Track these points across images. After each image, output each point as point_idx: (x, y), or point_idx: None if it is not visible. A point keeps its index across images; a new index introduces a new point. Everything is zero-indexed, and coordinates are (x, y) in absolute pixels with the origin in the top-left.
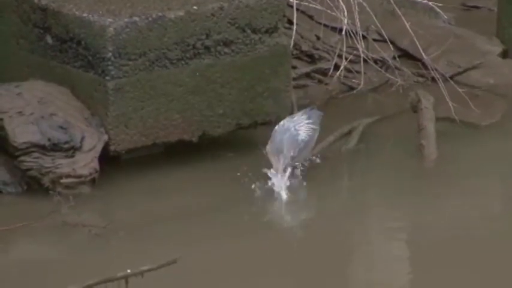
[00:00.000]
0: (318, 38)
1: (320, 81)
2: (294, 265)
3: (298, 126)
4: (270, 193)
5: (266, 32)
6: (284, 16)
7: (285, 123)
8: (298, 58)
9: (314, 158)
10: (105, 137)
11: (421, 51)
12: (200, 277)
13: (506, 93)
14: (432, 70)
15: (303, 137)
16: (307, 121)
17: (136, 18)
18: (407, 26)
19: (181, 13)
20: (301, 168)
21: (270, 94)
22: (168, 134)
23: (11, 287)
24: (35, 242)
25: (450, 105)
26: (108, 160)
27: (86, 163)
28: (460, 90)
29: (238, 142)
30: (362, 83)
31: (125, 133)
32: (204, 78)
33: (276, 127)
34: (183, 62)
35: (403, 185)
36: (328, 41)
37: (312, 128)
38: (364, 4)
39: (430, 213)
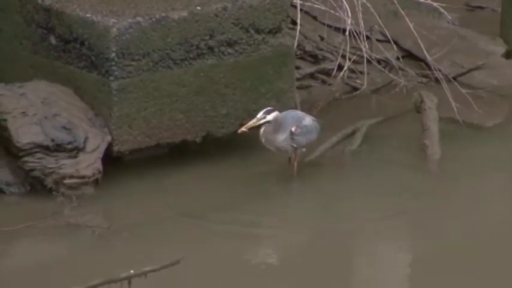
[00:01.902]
0: (322, 38)
1: (323, 82)
2: (295, 266)
3: (305, 115)
4: (273, 194)
5: (270, 32)
6: (288, 16)
7: (292, 110)
8: (302, 58)
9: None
10: (109, 138)
11: (425, 52)
12: (203, 278)
13: (510, 94)
14: (436, 70)
15: (307, 123)
16: (312, 117)
17: (140, 19)
18: (411, 26)
19: (184, 13)
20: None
21: (274, 94)
22: (171, 135)
23: (15, 287)
24: (39, 242)
25: (454, 106)
26: (112, 161)
27: (89, 164)
28: (463, 91)
29: (241, 143)
30: (365, 83)
31: (129, 134)
32: (208, 79)
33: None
34: (186, 63)
35: (406, 185)
36: (332, 42)
37: (315, 125)
38: (368, 5)
39: (433, 214)
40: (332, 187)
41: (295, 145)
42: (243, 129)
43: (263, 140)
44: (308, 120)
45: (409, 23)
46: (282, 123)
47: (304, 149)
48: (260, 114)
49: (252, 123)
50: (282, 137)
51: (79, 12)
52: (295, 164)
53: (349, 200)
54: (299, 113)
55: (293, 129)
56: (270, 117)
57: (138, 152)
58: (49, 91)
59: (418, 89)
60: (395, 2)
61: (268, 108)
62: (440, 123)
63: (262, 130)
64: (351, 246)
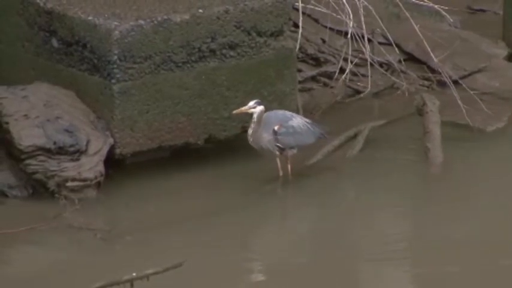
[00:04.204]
0: (324, 41)
1: (325, 85)
2: (297, 269)
3: (296, 116)
4: (275, 197)
5: (271, 35)
6: (289, 19)
7: (282, 110)
8: (304, 61)
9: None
10: (111, 140)
11: (431, 53)
12: (205, 281)
13: None
14: (442, 73)
15: (295, 124)
16: (307, 120)
17: (142, 22)
18: (416, 28)
19: (186, 16)
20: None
21: (276, 97)
22: (173, 137)
23: None
24: (41, 245)
25: (457, 108)
26: (114, 163)
27: (91, 166)
28: (465, 94)
29: (243, 145)
30: (369, 86)
31: (131, 136)
32: (210, 82)
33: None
34: (188, 65)
35: (408, 189)
36: (334, 44)
37: (308, 127)
38: (370, 7)
39: (434, 217)
40: (334, 190)
41: (280, 145)
42: (235, 112)
43: (250, 140)
44: (297, 121)
45: (414, 26)
46: (267, 123)
47: (294, 151)
48: (251, 103)
49: (244, 109)
50: (267, 137)
51: (81, 14)
52: (289, 166)
53: (348, 206)
54: (288, 113)
55: (276, 128)
56: (255, 110)
57: (140, 154)
58: (51, 94)
59: (420, 92)
60: (400, 5)
61: (258, 100)
62: (443, 126)
63: (250, 131)
64: (354, 247)
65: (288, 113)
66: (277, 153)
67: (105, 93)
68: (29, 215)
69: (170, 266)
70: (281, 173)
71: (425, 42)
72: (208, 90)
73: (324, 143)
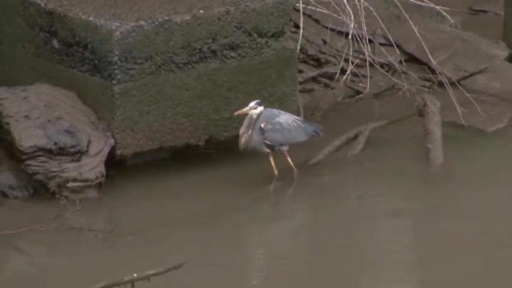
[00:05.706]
0: (325, 42)
1: (326, 85)
2: (298, 269)
3: (284, 114)
4: (275, 197)
5: (272, 36)
6: (290, 20)
7: (270, 109)
8: (305, 62)
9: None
10: (112, 141)
11: (429, 55)
12: (205, 281)
13: None
14: (441, 74)
15: (282, 120)
16: (296, 118)
17: (143, 22)
18: (415, 30)
19: (187, 17)
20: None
21: (277, 98)
22: (174, 138)
23: None
24: (41, 246)
25: (458, 109)
26: (115, 164)
27: (92, 167)
28: (466, 94)
29: None
30: (368, 87)
31: (132, 137)
32: (211, 82)
33: None
34: (189, 66)
35: (408, 190)
36: (335, 45)
37: (299, 124)
38: (371, 8)
39: (435, 219)
40: (335, 190)
41: (268, 142)
42: (237, 113)
43: (242, 141)
44: (285, 117)
45: (414, 27)
46: (257, 123)
47: (285, 148)
48: (252, 104)
49: (245, 110)
50: (255, 136)
51: (82, 15)
52: (289, 161)
53: (349, 207)
54: (275, 111)
55: (262, 125)
56: (256, 111)
57: (141, 155)
58: (52, 95)
59: (421, 92)
60: (399, 5)
61: (259, 100)
62: (444, 127)
63: (250, 131)
64: (355, 247)
65: (276, 111)
66: (267, 150)
67: (105, 94)
68: (30, 216)
69: (171, 266)
70: (276, 173)
71: (423, 44)
72: (209, 91)
73: (324, 144)
